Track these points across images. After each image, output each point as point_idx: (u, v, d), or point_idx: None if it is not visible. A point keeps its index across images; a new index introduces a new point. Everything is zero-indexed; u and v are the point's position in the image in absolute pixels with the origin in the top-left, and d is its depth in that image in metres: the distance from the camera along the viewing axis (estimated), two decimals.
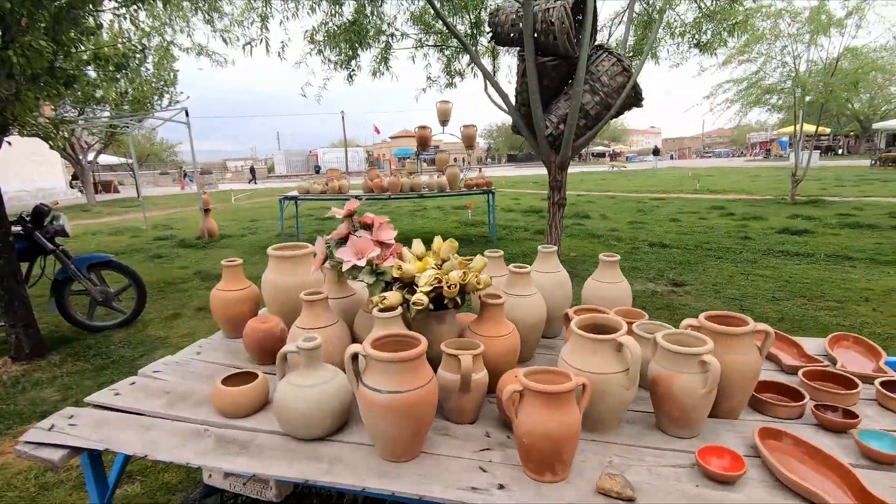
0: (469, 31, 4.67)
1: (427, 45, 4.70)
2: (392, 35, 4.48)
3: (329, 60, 4.68)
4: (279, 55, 4.24)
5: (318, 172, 41.35)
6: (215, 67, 6.38)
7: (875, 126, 27.65)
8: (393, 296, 1.33)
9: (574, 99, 3.41)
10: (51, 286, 4.03)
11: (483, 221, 9.98)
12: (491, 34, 3.63)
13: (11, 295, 3.54)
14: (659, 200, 13.24)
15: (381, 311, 1.32)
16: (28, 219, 3.87)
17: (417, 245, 1.56)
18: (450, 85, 5.25)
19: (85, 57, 3.83)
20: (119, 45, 4.23)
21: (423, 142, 7.83)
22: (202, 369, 1.64)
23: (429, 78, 5.11)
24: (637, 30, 4.52)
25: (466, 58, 4.94)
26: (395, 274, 1.37)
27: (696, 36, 4.12)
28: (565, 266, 2.30)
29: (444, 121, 7.77)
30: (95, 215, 15.19)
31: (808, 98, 10.96)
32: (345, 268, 1.29)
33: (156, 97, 17.34)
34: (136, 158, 12.46)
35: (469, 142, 7.83)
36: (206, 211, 8.67)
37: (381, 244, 1.34)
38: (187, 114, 8.31)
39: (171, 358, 1.75)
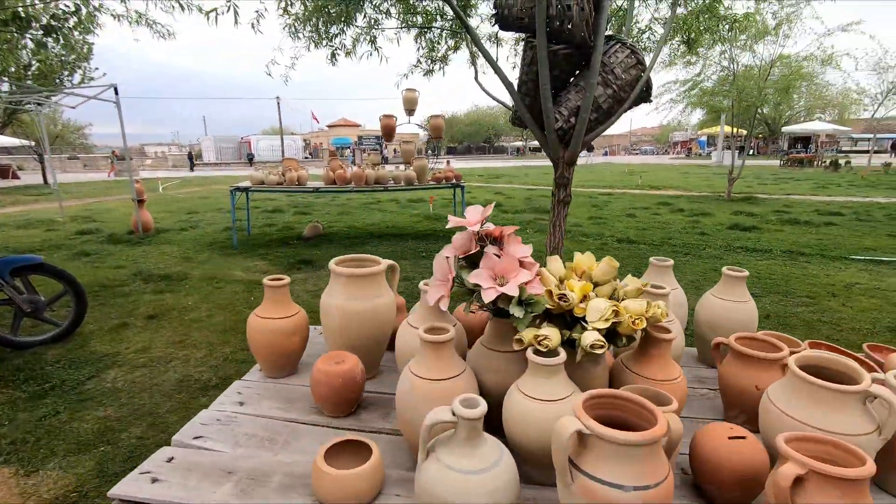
0: (457, 14, 4.34)
1: (414, 27, 4.32)
2: (384, 12, 4.06)
3: (312, 35, 4.16)
4: (253, 27, 3.69)
5: (251, 161, 38.95)
6: (157, 39, 5.59)
7: (784, 129, 30.34)
8: (553, 334, 1.02)
9: (588, 91, 3.23)
10: None
11: (446, 216, 9.72)
12: (495, 17, 3.34)
13: None
14: (608, 196, 13.64)
15: (539, 354, 0.98)
16: None
17: (555, 264, 1.24)
18: (429, 72, 4.91)
19: (2, 16, 3.12)
20: (47, 4, 3.54)
21: (389, 131, 7.43)
22: (259, 429, 1.14)
23: (419, 62, 4.71)
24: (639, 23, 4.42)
25: (452, 43, 4.62)
26: (549, 305, 1.06)
27: (688, 33, 4.08)
28: None
29: (410, 109, 7.41)
30: None
31: (743, 102, 11.66)
32: (486, 298, 0.96)
33: (66, 73, 15.37)
34: (47, 140, 10.94)
35: (437, 132, 7.53)
36: (141, 202, 7.73)
37: (522, 264, 1.03)
38: (116, 91, 7.32)
39: (207, 413, 1.20)
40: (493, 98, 4.18)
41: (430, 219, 9.36)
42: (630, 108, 3.45)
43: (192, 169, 31.88)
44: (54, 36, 3.23)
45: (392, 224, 8.87)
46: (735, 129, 18.35)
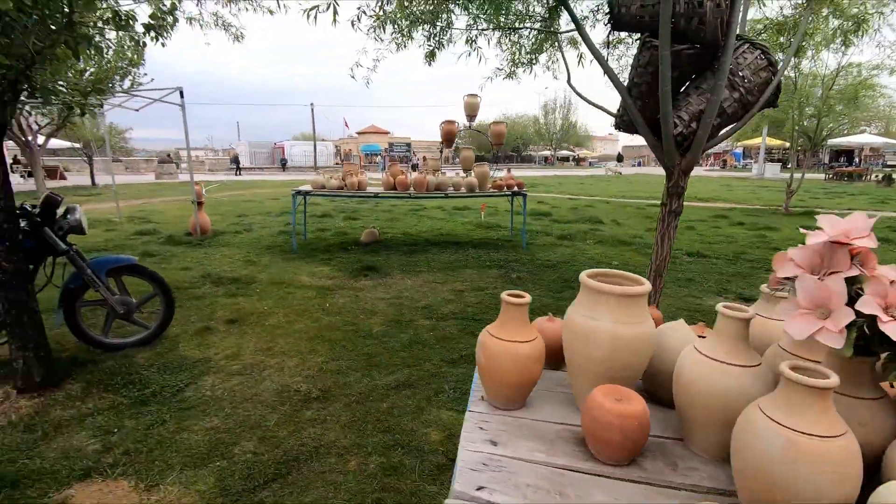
0: (546, 14, 4.18)
1: (505, 28, 4.16)
2: (473, 14, 3.93)
3: (396, 37, 4.06)
4: (353, 25, 3.58)
5: (283, 166, 39.57)
6: (232, 42, 5.59)
7: (831, 142, 29.26)
8: None
9: (715, 94, 3.00)
10: (60, 295, 3.24)
11: (498, 224, 9.53)
12: (609, 17, 3.15)
13: (20, 309, 2.76)
14: (656, 207, 13.23)
15: None
16: (36, 211, 3.06)
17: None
18: (511, 75, 4.75)
19: (105, 13, 3.05)
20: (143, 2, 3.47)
21: (449, 137, 7.30)
22: (538, 478, 0.87)
23: (512, 61, 4.54)
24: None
25: (535, 45, 4.46)
26: None
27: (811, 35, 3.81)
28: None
29: (471, 115, 7.27)
30: None
31: (807, 110, 11.18)
32: (890, 332, 0.75)
33: (117, 78, 15.78)
34: (108, 144, 11.21)
35: (498, 139, 7.36)
36: (199, 204, 7.76)
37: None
38: (182, 94, 7.38)
39: (470, 456, 0.89)
40: (588, 102, 3.98)
41: (482, 227, 9.18)
42: (758, 111, 3.21)
43: (238, 173, 32.50)
44: (152, 34, 3.14)
45: (445, 231, 8.72)
46: (777, 142, 17.65)
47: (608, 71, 3.33)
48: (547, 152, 63.73)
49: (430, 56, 4.26)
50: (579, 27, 3.35)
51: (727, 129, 3.26)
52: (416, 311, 4.43)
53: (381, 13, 4.11)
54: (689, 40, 3.03)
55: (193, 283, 5.22)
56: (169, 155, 32.01)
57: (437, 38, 4.11)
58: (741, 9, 3.09)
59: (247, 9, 5.76)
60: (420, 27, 4.35)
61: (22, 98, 2.60)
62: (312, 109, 43.33)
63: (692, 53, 3.04)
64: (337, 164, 44.99)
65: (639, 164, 54.77)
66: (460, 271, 5.88)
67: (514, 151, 69.17)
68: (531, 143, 69.09)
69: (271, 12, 5.99)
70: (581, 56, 4.05)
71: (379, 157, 44.91)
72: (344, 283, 5.35)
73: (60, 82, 2.65)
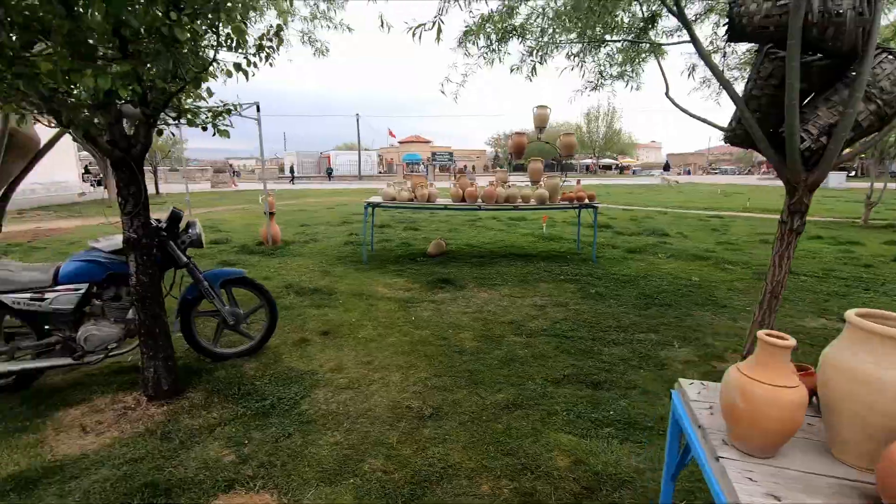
0: (641, 25, 4.09)
1: (599, 41, 4.11)
2: (563, 27, 3.91)
3: (484, 52, 4.08)
4: (461, 44, 3.60)
5: (330, 175, 40.61)
6: (317, 57, 5.76)
7: None
8: None
9: (851, 107, 2.83)
10: (178, 305, 3.38)
11: (560, 236, 9.39)
12: (727, 28, 3.04)
13: (154, 320, 2.88)
14: (718, 218, 12.73)
15: None
16: (163, 226, 3.21)
17: None
18: (597, 87, 4.67)
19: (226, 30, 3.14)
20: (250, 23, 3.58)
21: (519, 149, 7.26)
22: None
23: (598, 76, 4.49)
24: None
25: (623, 57, 4.38)
26: None
27: None
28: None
29: (541, 126, 7.21)
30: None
31: None
32: None
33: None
34: (184, 157, 11.77)
35: (569, 150, 7.26)
36: (271, 215, 8.01)
37: None
38: (258, 109, 7.67)
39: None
40: (689, 114, 3.85)
41: (544, 239, 9.06)
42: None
43: (293, 181, 33.77)
44: (263, 55, 3.21)
45: (509, 243, 8.65)
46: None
47: (724, 83, 3.21)
48: (589, 160, 62.69)
49: (532, 72, 4.24)
50: (694, 39, 3.24)
51: (860, 142, 3.08)
52: (504, 326, 4.38)
53: (474, 27, 4.13)
54: (820, 50, 2.88)
55: (278, 293, 5.35)
56: (231, 166, 33.48)
57: (539, 53, 4.09)
58: (880, 17, 2.91)
59: (327, 27, 5.94)
60: (510, 41, 4.34)
61: (168, 121, 2.74)
62: (358, 120, 44.37)
63: (823, 65, 2.89)
64: (381, 172, 45.83)
65: (687, 173, 53.03)
66: (535, 285, 5.80)
67: (555, 160, 68.43)
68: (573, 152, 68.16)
69: (350, 29, 6.16)
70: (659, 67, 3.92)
71: (420, 165, 45.40)
72: (422, 295, 5.37)
73: (200, 104, 2.77)
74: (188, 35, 2.00)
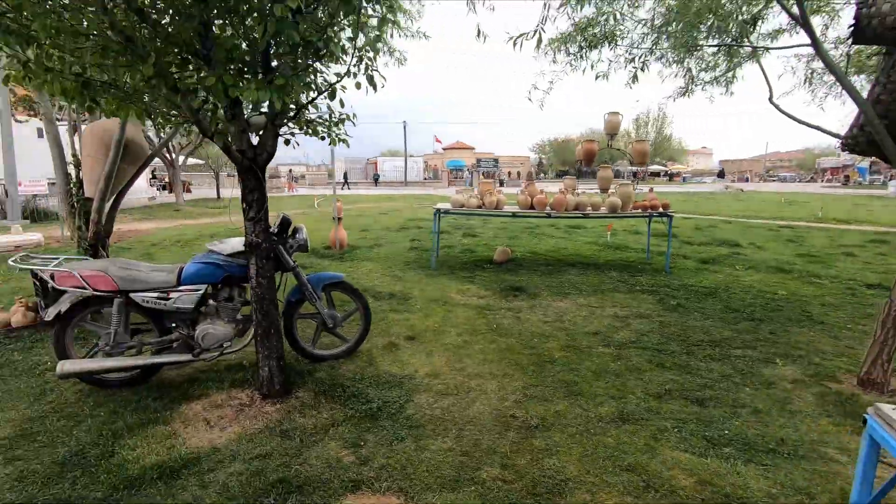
0: (740, 30, 3.94)
1: (714, 45, 3.99)
2: (659, 30, 3.83)
3: (570, 60, 4.05)
4: (514, 45, 3.60)
5: (376, 181, 41.41)
6: (395, 66, 5.91)
7: None
8: None
9: None
10: (283, 308, 3.51)
11: (625, 245, 9.17)
12: (853, 29, 2.88)
13: (269, 321, 3.01)
14: (790, 229, 12.07)
15: None
16: (275, 231, 3.35)
17: None
18: (686, 92, 4.54)
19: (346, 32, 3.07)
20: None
21: (590, 156, 7.16)
22: None
23: (689, 81, 4.39)
24: None
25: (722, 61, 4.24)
26: None
27: None
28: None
29: (612, 133, 7.08)
30: (189, 216, 15.21)
31: None
32: None
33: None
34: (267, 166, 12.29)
35: (642, 158, 7.09)
36: (339, 220, 8.23)
37: None
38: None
39: None
40: (797, 121, 3.68)
41: (610, 248, 8.86)
42: None
43: (347, 187, 34.78)
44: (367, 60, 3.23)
45: (573, 252, 8.52)
46: None
47: (849, 87, 3.04)
48: (636, 167, 60.96)
49: (633, 79, 4.18)
50: (816, 42, 3.10)
51: None
52: (588, 337, 4.30)
53: (563, 35, 4.11)
54: None
55: None
56: (290, 171, 34.82)
57: (642, 60, 4.03)
58: None
59: (406, 35, 6.06)
60: (599, 48, 4.29)
61: (293, 130, 2.87)
62: (405, 127, 45.08)
63: None
64: (426, 179, 46.32)
65: (745, 180, 50.68)
66: (610, 295, 5.68)
67: (598, 166, 66.93)
68: (617, 158, 66.68)
69: (426, 37, 6.26)
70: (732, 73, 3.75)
71: (465, 171, 45.55)
72: (497, 302, 5.36)
73: (321, 116, 2.88)
74: (341, 49, 2.09)
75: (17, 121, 12.41)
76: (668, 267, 6.91)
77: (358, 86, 2.46)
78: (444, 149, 58.77)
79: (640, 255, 8.21)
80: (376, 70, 2.40)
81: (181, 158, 19.04)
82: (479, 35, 3.74)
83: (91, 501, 2.20)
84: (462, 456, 2.57)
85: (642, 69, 4.07)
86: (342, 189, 33.53)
